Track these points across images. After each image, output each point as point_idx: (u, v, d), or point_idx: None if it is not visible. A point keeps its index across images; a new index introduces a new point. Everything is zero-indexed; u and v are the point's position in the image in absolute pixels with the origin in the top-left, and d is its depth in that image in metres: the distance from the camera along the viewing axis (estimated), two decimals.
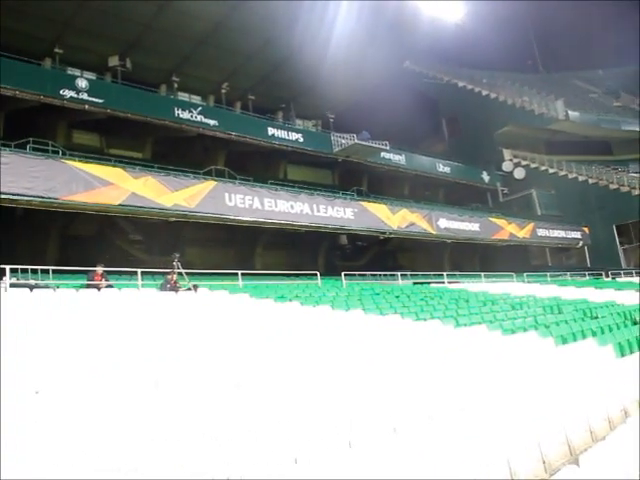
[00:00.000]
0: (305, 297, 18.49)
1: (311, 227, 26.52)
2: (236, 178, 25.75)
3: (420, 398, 7.04)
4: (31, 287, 14.13)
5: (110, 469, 4.65)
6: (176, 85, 31.85)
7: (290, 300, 17.45)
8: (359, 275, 25.78)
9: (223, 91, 33.23)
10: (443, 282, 27.33)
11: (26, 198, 18.53)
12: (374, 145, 32.80)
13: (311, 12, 30.37)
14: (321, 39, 31.20)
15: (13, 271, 15.03)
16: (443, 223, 31.37)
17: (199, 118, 27.65)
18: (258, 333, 11.13)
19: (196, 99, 32.63)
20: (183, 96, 32.11)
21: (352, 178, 34.90)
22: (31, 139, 20.63)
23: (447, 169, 38.70)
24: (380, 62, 36.57)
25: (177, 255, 17.26)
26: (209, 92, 33.56)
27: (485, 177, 40.45)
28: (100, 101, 24.57)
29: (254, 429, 5.61)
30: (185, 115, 27.23)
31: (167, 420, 5.73)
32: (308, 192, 27.30)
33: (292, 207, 25.72)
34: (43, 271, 17.42)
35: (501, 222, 34.35)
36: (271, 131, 30.60)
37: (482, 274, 29.36)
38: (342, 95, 37.39)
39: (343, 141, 32.49)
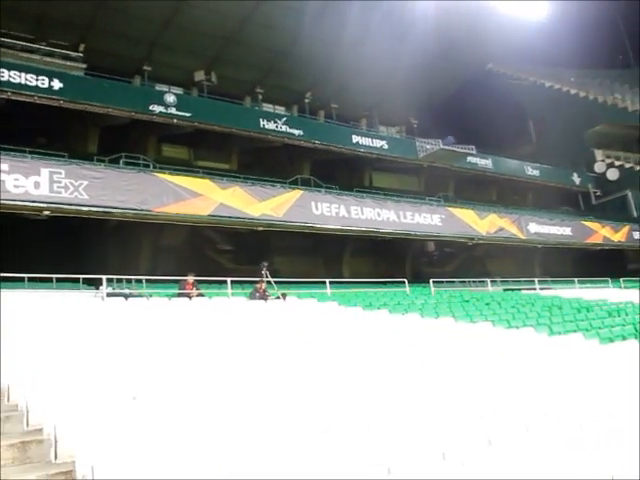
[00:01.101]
0: (393, 305, 18.27)
1: (398, 234, 26.26)
2: (322, 187, 25.81)
3: (515, 409, 6.73)
4: (126, 296, 14.50)
5: (206, 468, 4.63)
6: (260, 96, 32.24)
7: (378, 308, 17.26)
8: (447, 282, 25.30)
9: (306, 101, 33.43)
10: (534, 288, 26.46)
11: (120, 210, 19.14)
12: (460, 150, 32.16)
13: (389, 17, 30.17)
14: (402, 44, 30.90)
15: (109, 281, 15.47)
16: (533, 227, 30.44)
17: (284, 128, 27.83)
18: (348, 341, 10.99)
19: (280, 110, 32.94)
20: (267, 107, 32.47)
21: (438, 184, 34.31)
22: (123, 154, 21.37)
23: (535, 172, 37.48)
24: (463, 65, 35.98)
25: (266, 264, 17.38)
26: (293, 102, 33.82)
27: (576, 179, 38.94)
28: (187, 115, 25.09)
29: (348, 437, 5.47)
30: (270, 126, 27.47)
31: (264, 425, 5.66)
32: (394, 199, 27.05)
33: (378, 214, 25.55)
34: (137, 281, 17.87)
35: (594, 225, 33.05)
36: (355, 139, 30.47)
37: (575, 280, 28.24)
38: (425, 100, 36.94)
39: (428, 147, 32.02)
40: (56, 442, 5.48)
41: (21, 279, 16.22)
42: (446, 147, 31.70)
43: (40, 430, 6.06)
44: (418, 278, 26.77)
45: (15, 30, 24.07)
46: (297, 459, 4.96)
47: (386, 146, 31.40)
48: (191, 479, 4.57)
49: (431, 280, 23.29)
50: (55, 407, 5.84)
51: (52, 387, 6.43)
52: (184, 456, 4.83)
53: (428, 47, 31.28)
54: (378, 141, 31.46)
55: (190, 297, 15.97)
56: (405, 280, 23.05)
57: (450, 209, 28.32)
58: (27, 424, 6.35)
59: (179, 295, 16.23)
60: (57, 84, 22.21)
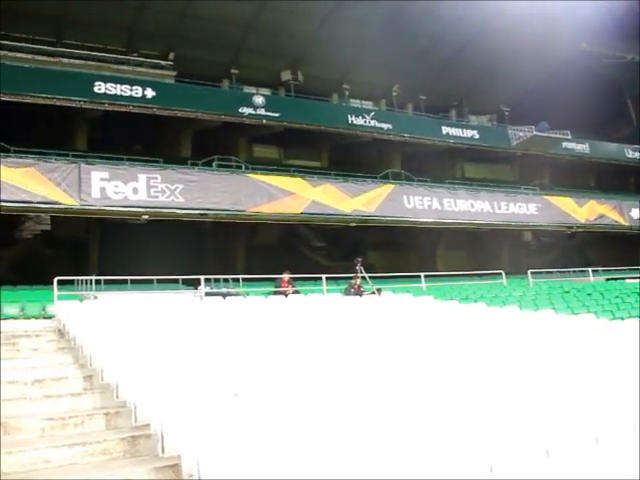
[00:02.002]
0: (491, 297, 17.81)
1: (493, 225, 25.65)
2: (413, 180, 25.51)
3: (624, 406, 6.32)
4: (224, 295, 14.75)
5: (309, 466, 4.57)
6: (347, 92, 32.12)
7: (475, 301, 16.86)
8: (546, 272, 24.45)
9: (394, 94, 33.04)
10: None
11: (214, 212, 19.61)
12: (554, 135, 31.04)
13: (476, 4, 29.37)
14: (490, 30, 30.06)
15: (206, 281, 15.82)
16: (636, 213, 29.02)
17: (372, 123, 27.67)
18: (446, 335, 10.73)
19: (368, 104, 32.71)
20: (355, 103, 32.31)
21: (533, 172, 33.24)
22: (216, 156, 21.82)
23: (637, 154, 35.65)
24: (554, 47, 34.52)
25: (360, 259, 17.31)
26: (380, 96, 33.50)
27: None
28: (276, 115, 25.34)
29: (448, 434, 5.29)
30: (359, 121, 27.38)
31: (368, 421, 5.55)
32: (488, 189, 26.45)
33: (472, 206, 25.10)
34: (233, 280, 18.20)
35: None
36: (445, 130, 29.95)
37: None
38: (516, 86, 35.78)
39: (521, 134, 31.07)
40: (163, 437, 5.59)
41: (124, 281, 16.85)
42: (540, 133, 30.65)
43: (147, 425, 6.22)
44: (515, 269, 25.99)
45: (108, 44, 24.98)
46: (400, 455, 4.85)
47: (477, 136, 30.72)
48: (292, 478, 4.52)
49: (529, 271, 22.56)
50: (161, 404, 5.96)
51: (157, 384, 6.57)
52: (284, 453, 4.80)
53: (519, 31, 30.26)
54: (469, 131, 30.84)
55: (286, 294, 16.10)
56: (502, 272, 22.42)
57: (546, 197, 27.45)
58: (135, 419, 6.53)
59: (275, 293, 16.40)
60: (150, 93, 22.93)
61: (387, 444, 5.02)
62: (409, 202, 23.61)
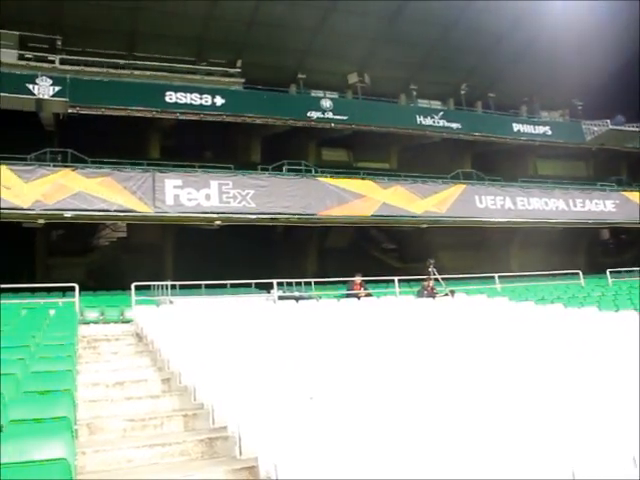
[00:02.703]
0: (568, 298, 17.27)
1: (568, 223, 24.95)
2: (484, 179, 25.08)
3: None
4: (296, 299, 14.81)
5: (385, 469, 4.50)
6: (415, 93, 31.80)
7: (552, 302, 16.35)
8: (626, 272, 23.55)
9: (462, 92, 32.51)
10: None
11: (285, 216, 19.78)
12: (631, 129, 29.96)
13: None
14: (559, 24, 29.20)
15: (279, 284, 15.94)
16: None
17: (441, 123, 27.37)
18: (524, 338, 10.43)
19: (436, 104, 32.33)
20: (423, 103, 31.98)
21: (609, 167, 32.15)
22: (285, 161, 21.99)
23: None
24: (629, 34, 33.32)
25: (432, 261, 17.13)
26: (448, 95, 33.07)
27: None
28: (344, 118, 25.37)
29: (530, 436, 5.12)
30: (427, 121, 27.13)
31: (445, 426, 5.43)
32: (562, 187, 25.74)
33: (546, 204, 24.52)
34: (305, 283, 18.27)
35: None
36: (516, 127, 29.37)
37: None
38: (588, 79, 34.57)
39: (595, 128, 30.15)
40: (240, 439, 5.63)
41: (198, 286, 17.16)
42: (616, 127, 29.64)
43: (225, 428, 6.27)
44: (593, 269, 25.18)
45: (178, 55, 25.51)
46: (481, 458, 4.72)
47: (550, 132, 29.99)
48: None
49: (608, 270, 21.79)
50: (238, 406, 5.99)
51: (234, 387, 6.60)
52: (359, 456, 4.74)
53: (589, 23, 29.33)
54: (541, 127, 30.14)
55: (358, 297, 16.04)
56: (579, 271, 21.74)
57: (625, 193, 26.52)
58: (213, 422, 6.60)
59: (347, 296, 16.36)
60: (219, 100, 23.32)
61: (470, 449, 4.91)
62: (481, 202, 23.25)
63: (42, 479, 4.07)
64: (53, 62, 23.30)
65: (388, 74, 30.05)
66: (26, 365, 7.33)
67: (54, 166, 18.95)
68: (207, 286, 17.32)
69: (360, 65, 29.62)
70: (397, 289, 17.39)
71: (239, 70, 26.49)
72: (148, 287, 16.08)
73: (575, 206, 25.09)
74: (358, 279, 17.12)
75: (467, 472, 4.56)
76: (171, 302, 15.09)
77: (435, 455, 4.75)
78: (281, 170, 21.60)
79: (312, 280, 18.63)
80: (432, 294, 16.57)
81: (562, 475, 4.59)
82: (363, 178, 22.12)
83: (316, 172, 21.99)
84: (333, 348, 8.99)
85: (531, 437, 5.14)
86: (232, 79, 26.15)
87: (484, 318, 12.97)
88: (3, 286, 15.22)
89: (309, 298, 15.74)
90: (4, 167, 18.03)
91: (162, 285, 16.21)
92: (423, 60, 30.11)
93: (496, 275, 19.74)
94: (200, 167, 20.37)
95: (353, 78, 29.73)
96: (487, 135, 28.51)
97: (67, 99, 20.65)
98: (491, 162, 30.04)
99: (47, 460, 4.23)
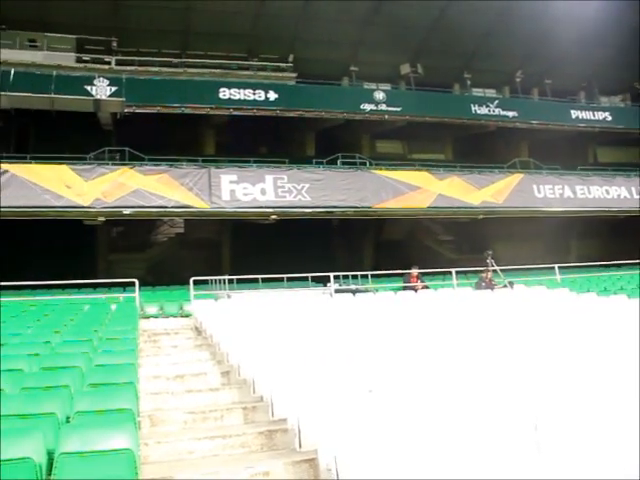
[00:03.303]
0: (632, 289, 16.76)
1: (631, 211, 24.19)
2: (542, 168, 24.55)
3: None
4: (353, 292, 14.77)
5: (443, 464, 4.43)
6: (469, 82, 31.30)
7: (615, 293, 15.89)
8: None
9: (517, 79, 31.85)
10: None
11: (341, 209, 19.78)
12: None
13: None
14: (616, 7, 28.25)
15: (335, 278, 15.93)
16: None
17: (497, 111, 26.90)
18: (589, 331, 10.13)
19: (491, 92, 31.75)
20: (477, 92, 31.45)
21: None
22: (340, 154, 21.93)
23: None
24: None
25: (490, 252, 16.84)
26: (503, 83, 32.44)
27: None
28: (398, 109, 25.16)
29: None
30: (482, 111, 26.69)
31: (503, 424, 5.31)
32: (624, 174, 24.97)
33: (607, 192, 23.91)
34: (362, 276, 18.23)
35: None
36: (574, 113, 28.59)
37: None
38: None
39: None
40: (300, 432, 5.65)
41: (255, 280, 17.30)
42: None
43: (284, 420, 6.31)
44: None
45: (230, 51, 25.73)
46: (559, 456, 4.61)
47: (609, 118, 29.09)
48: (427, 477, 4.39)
49: None
50: (297, 399, 6.01)
51: (293, 380, 6.62)
52: (419, 450, 4.68)
53: None
54: (600, 113, 29.24)
55: (415, 290, 15.91)
56: None
57: None
58: (272, 414, 6.64)
59: (404, 288, 16.24)
60: (272, 95, 23.42)
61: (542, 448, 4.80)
62: (539, 191, 22.81)
63: (108, 468, 4.16)
64: (109, 63, 23.86)
65: (441, 63, 29.65)
66: (90, 358, 7.51)
67: (113, 165, 19.39)
68: (264, 280, 17.48)
69: (412, 55, 29.31)
70: (454, 281, 17.17)
71: (291, 64, 26.54)
72: (206, 282, 16.30)
73: (638, 194, 24.29)
74: (415, 271, 16.95)
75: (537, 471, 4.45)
76: (229, 296, 15.24)
77: (503, 452, 4.65)
78: (335, 163, 21.57)
79: (368, 273, 18.58)
80: (490, 286, 16.29)
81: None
82: (418, 169, 21.97)
83: (371, 164, 21.90)
84: (391, 341, 8.92)
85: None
86: (284, 74, 26.24)
87: (547, 310, 12.67)
88: (67, 282, 15.69)
89: (366, 291, 15.68)
90: (65, 167, 18.54)
91: (220, 279, 16.42)
92: (477, 48, 29.59)
93: (556, 266, 19.29)
94: (255, 162, 20.54)
95: (406, 69, 29.43)
96: (544, 123, 27.86)
97: (123, 99, 21.08)
98: (549, 150, 29.32)
99: (113, 450, 4.32)
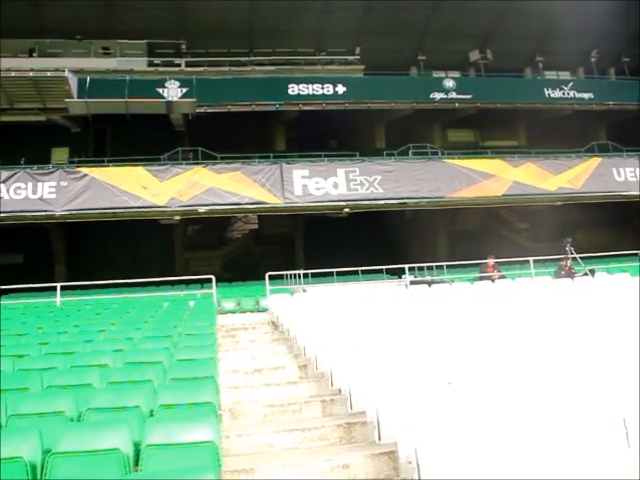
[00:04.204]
0: None
1: None
2: (622, 150, 23.63)
3: None
4: (429, 283, 14.63)
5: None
6: (541, 65, 30.47)
7: None
8: None
9: (592, 59, 30.79)
10: None
11: (414, 200, 19.65)
12: None
13: None
14: None
15: (410, 269, 15.82)
16: None
17: (572, 94, 26.06)
18: None
19: (564, 75, 30.80)
20: (550, 75, 30.59)
21: None
22: (410, 145, 21.74)
23: None
24: None
25: (569, 240, 16.32)
26: (577, 64, 31.39)
27: None
28: (468, 97, 24.75)
29: None
30: (556, 94, 25.92)
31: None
32: None
33: None
34: (437, 267, 18.05)
35: None
36: None
37: None
38: None
39: None
40: (379, 424, 5.63)
41: (330, 273, 17.35)
42: None
43: (363, 413, 6.30)
44: None
45: (297, 47, 25.87)
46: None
47: None
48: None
49: None
50: (376, 392, 5.98)
51: (371, 373, 6.59)
52: (502, 445, 4.57)
53: None
54: None
55: (492, 280, 15.62)
56: None
57: None
58: (350, 407, 6.64)
59: (481, 279, 15.97)
60: (341, 88, 23.42)
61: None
62: (619, 175, 22.00)
63: (192, 460, 4.24)
64: (179, 65, 24.43)
65: (511, 48, 28.96)
66: (171, 354, 7.68)
67: (186, 164, 19.81)
68: (338, 273, 17.51)
69: (482, 41, 28.76)
70: (532, 270, 16.75)
71: (358, 57, 26.46)
72: (281, 276, 16.47)
73: None
74: (491, 261, 16.64)
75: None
76: (304, 290, 15.34)
77: (590, 448, 4.50)
78: (407, 154, 21.43)
79: (443, 264, 18.36)
80: (570, 274, 15.81)
81: None
82: (492, 157, 21.54)
83: (442, 154, 21.64)
84: (469, 332, 8.76)
85: None
86: (352, 66, 26.18)
87: (631, 299, 12.17)
88: (146, 280, 16.14)
89: (441, 282, 15.50)
90: (141, 168, 19.06)
91: (294, 274, 16.55)
92: (548, 30, 28.74)
93: None
94: (326, 156, 20.59)
95: (475, 55, 28.91)
96: (622, 103, 26.78)
97: (194, 99, 21.49)
98: (628, 132, 28.20)
99: (196, 442, 4.40)
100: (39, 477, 4.19)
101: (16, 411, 5.34)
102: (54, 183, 18.51)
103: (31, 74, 21.16)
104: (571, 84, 26.62)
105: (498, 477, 4.23)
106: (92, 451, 4.28)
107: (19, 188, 18.36)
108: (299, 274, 16.52)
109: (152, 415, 5.33)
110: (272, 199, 19.21)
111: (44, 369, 6.95)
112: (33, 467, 4.21)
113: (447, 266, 18.32)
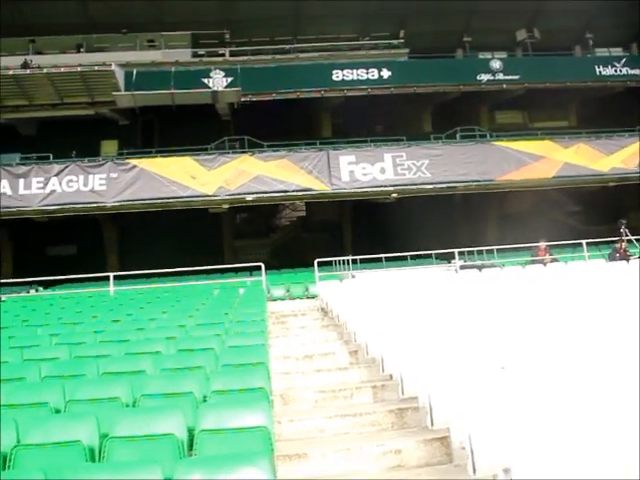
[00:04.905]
0: None
1: None
2: None
3: None
4: (479, 267, 14.46)
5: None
6: (591, 42, 29.68)
7: None
8: None
9: None
10: None
11: (463, 184, 19.45)
12: None
13: None
14: None
15: (460, 254, 15.67)
16: None
17: (624, 71, 25.30)
18: None
19: (616, 51, 29.95)
20: (601, 52, 29.78)
21: None
22: (458, 128, 21.48)
23: None
24: None
25: (624, 221, 15.91)
26: (629, 40, 30.45)
27: None
28: (516, 77, 24.29)
29: None
30: (608, 71, 25.21)
31: None
32: None
33: None
34: (487, 251, 17.80)
35: None
36: None
37: None
38: None
39: None
40: (431, 410, 5.56)
41: (378, 259, 17.31)
42: None
43: (414, 398, 6.23)
44: None
45: (340, 33, 25.74)
46: None
47: None
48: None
49: None
50: (428, 377, 5.91)
51: (423, 358, 6.52)
52: (557, 431, 4.45)
53: None
54: None
55: (544, 263, 15.34)
56: None
57: None
58: (402, 392, 6.58)
59: (532, 262, 15.71)
60: (386, 73, 23.26)
61: None
62: None
63: (245, 445, 4.26)
64: (223, 55, 24.65)
65: (560, 25, 28.26)
66: (222, 340, 7.75)
67: (233, 153, 19.93)
68: (387, 259, 17.45)
69: (529, 20, 28.15)
70: (585, 253, 16.38)
71: (402, 41, 26.22)
72: (329, 263, 16.47)
73: None
74: (543, 244, 16.36)
75: None
76: (353, 276, 15.32)
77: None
78: (454, 138, 21.17)
79: (494, 248, 18.08)
80: (625, 257, 15.40)
81: None
82: (541, 138, 21.10)
83: (491, 136, 21.31)
84: (522, 316, 8.61)
85: None
86: (396, 50, 25.95)
87: None
88: (196, 268, 16.34)
89: (492, 266, 15.29)
90: (188, 158, 19.25)
91: (342, 260, 16.54)
92: (599, 4, 27.92)
93: None
94: (372, 141, 20.49)
95: (522, 34, 28.30)
96: None
97: (239, 88, 21.62)
98: None
99: (249, 427, 4.43)
100: (97, 460, 4.28)
101: (74, 397, 5.48)
102: (104, 175, 18.88)
103: (79, 69, 21.55)
104: (624, 60, 25.88)
105: (555, 465, 4.14)
106: (148, 436, 4.35)
107: (71, 181, 18.79)
108: (347, 260, 16.51)
109: (205, 401, 5.39)
110: (319, 186, 19.21)
111: (99, 356, 7.11)
112: (91, 450, 4.30)
113: (497, 250, 18.06)
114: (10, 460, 4.14)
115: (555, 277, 12.98)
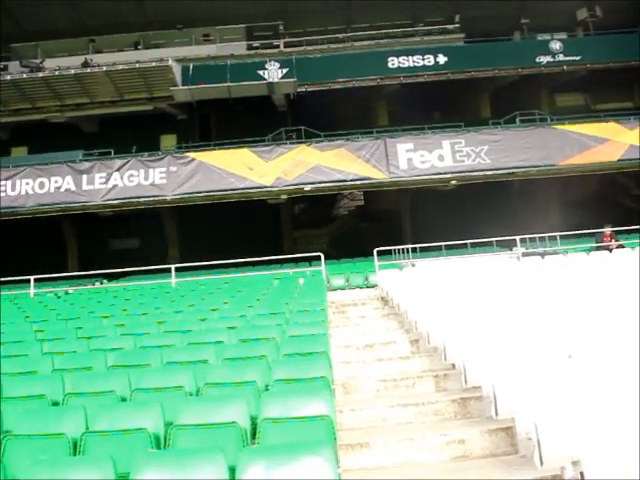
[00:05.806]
0: None
1: None
2: None
3: None
4: (542, 254, 14.18)
5: None
6: None
7: None
8: None
9: None
10: None
11: (523, 169, 19.12)
12: None
13: None
14: None
15: (521, 241, 15.41)
16: None
17: None
18: None
19: None
20: None
21: None
22: (517, 112, 21.05)
23: None
24: None
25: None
26: None
27: None
28: (577, 58, 23.59)
29: None
30: None
31: None
32: None
33: None
34: (550, 238, 17.45)
35: None
36: None
37: None
38: None
39: None
40: (495, 399, 5.52)
41: (438, 247, 17.20)
42: None
43: (478, 388, 6.18)
44: None
45: (394, 20, 25.48)
46: None
47: None
48: None
49: None
50: (492, 366, 5.85)
51: (486, 347, 6.46)
52: (623, 418, 4.33)
53: None
54: None
55: (610, 249, 14.91)
56: None
57: None
58: (465, 382, 6.53)
59: (597, 249, 15.29)
60: (442, 59, 22.93)
61: None
62: None
63: (308, 434, 4.27)
64: (278, 47, 24.74)
65: (623, 2, 27.28)
66: (283, 330, 7.80)
67: (290, 144, 20.03)
68: (447, 247, 17.29)
69: None
70: None
71: (457, 25, 25.77)
72: (388, 252, 16.39)
73: None
74: (608, 230, 15.88)
75: None
76: (413, 265, 15.22)
77: None
78: (514, 122, 20.73)
79: (557, 234, 17.68)
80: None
81: None
82: (605, 120, 20.45)
83: (551, 120, 20.76)
84: (588, 304, 8.40)
85: None
86: (452, 35, 25.56)
87: None
88: (256, 259, 16.50)
89: (554, 253, 14.94)
90: (246, 150, 19.44)
91: (402, 249, 16.45)
92: None
93: None
94: (430, 128, 20.28)
95: (582, 14, 27.41)
96: None
97: (295, 79, 21.69)
98: None
99: (312, 416, 4.45)
100: (162, 447, 4.37)
101: (139, 385, 5.62)
102: (164, 169, 19.26)
103: (137, 66, 21.97)
104: None
105: (624, 456, 4.02)
106: (211, 424, 4.43)
107: (132, 175, 19.24)
108: (407, 249, 16.43)
109: (267, 390, 5.44)
110: (377, 174, 19.14)
111: (163, 346, 7.27)
112: (157, 438, 4.42)
113: (560, 236, 17.65)
114: (80, 446, 4.28)
115: (622, 264, 12.61)
